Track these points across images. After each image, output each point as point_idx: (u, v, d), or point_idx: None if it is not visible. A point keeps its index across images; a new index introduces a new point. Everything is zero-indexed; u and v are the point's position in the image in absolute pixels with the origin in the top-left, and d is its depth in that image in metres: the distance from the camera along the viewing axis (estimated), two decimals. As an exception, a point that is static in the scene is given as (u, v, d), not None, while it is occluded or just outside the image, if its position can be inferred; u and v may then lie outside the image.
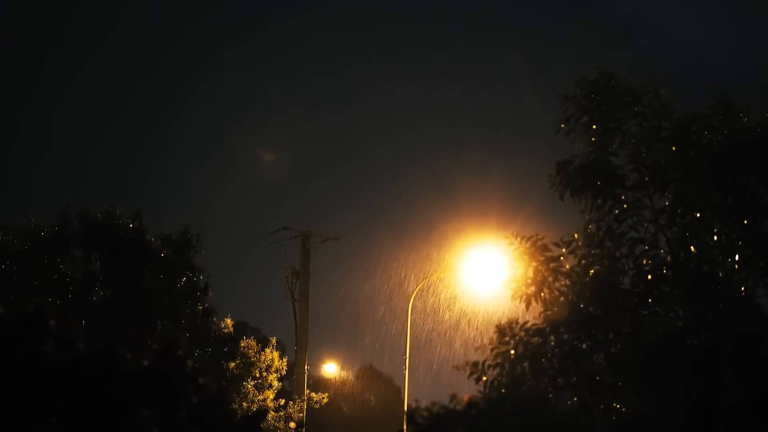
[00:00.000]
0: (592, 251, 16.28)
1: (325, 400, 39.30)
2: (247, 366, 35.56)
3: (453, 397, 11.11)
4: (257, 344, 36.46)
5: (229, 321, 34.32)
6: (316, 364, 52.28)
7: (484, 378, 15.84)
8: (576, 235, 16.45)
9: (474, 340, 43.31)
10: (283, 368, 37.32)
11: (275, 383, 36.51)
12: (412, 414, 11.14)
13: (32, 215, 31.65)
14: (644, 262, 16.18)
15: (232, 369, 34.51)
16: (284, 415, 36.72)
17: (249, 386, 35.47)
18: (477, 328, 44.07)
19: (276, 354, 36.76)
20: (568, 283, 16.14)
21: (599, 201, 16.42)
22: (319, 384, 58.14)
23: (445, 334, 46.19)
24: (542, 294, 16.18)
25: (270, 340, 37.29)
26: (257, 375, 36.02)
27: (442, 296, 44.98)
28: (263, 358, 36.19)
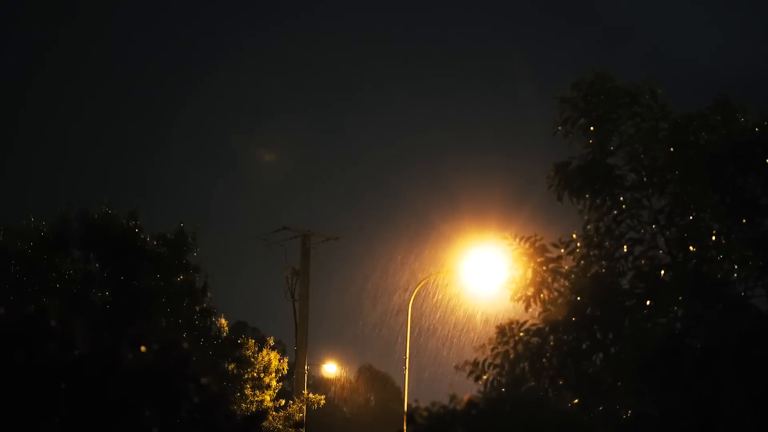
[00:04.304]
0: (591, 252, 16.31)
1: (323, 402, 39.27)
2: (245, 366, 35.49)
3: (453, 397, 11.13)
4: (254, 344, 36.34)
5: (223, 321, 34.21)
6: (316, 364, 52.26)
7: (484, 377, 15.87)
8: (575, 236, 16.48)
9: (474, 340, 43.30)
10: (284, 368, 37.26)
11: (273, 383, 36.45)
12: (412, 414, 11.16)
13: (32, 215, 31.67)
14: (643, 262, 16.21)
15: (231, 369, 34.46)
16: (284, 415, 36.69)
17: (247, 386, 35.39)
18: (477, 329, 44.11)
19: (273, 354, 36.65)
20: (567, 283, 16.16)
21: (598, 201, 16.45)
22: (319, 384, 58.19)
23: (445, 334, 46.22)
24: (541, 295, 16.21)
25: (267, 340, 37.12)
26: (255, 375, 35.96)
27: (442, 296, 45.00)
28: (260, 358, 36.12)
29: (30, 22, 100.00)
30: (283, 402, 36.89)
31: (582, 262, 16.30)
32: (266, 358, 36.23)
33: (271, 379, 36.29)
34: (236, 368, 34.62)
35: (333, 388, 68.35)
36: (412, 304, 41.29)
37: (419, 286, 42.30)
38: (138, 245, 31.42)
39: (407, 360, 40.23)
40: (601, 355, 15.83)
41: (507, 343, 15.88)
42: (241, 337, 35.73)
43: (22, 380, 8.68)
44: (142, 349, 9.04)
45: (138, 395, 8.99)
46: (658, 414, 14.89)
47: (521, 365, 15.74)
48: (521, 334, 15.92)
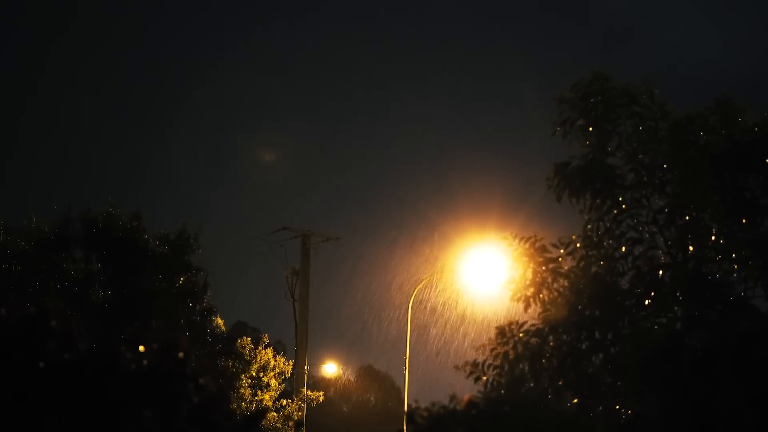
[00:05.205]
0: (591, 252, 16.32)
1: (321, 399, 39.29)
2: (243, 365, 35.50)
3: (453, 397, 11.11)
4: (251, 342, 36.31)
5: (220, 320, 34.22)
6: (316, 364, 52.34)
7: (484, 378, 15.88)
8: (574, 237, 16.48)
9: (474, 341, 43.34)
10: (287, 370, 37.24)
11: (273, 383, 36.43)
12: (412, 414, 11.15)
13: (34, 215, 31.71)
14: (643, 262, 16.21)
15: (230, 368, 34.45)
16: (283, 414, 36.70)
17: (245, 386, 35.37)
18: (477, 329, 44.12)
19: (270, 352, 36.61)
20: (566, 284, 16.17)
21: (597, 201, 16.45)
22: (319, 384, 58.16)
23: (445, 334, 46.23)
24: (541, 295, 16.21)
25: (261, 338, 37.02)
26: (253, 374, 35.95)
27: (442, 296, 45.03)
28: (258, 357, 36.10)
29: (32, 22, 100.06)
30: (284, 402, 36.90)
31: (582, 262, 16.30)
32: (264, 357, 36.22)
33: (270, 379, 36.29)
34: (234, 366, 34.62)
35: (333, 388, 68.38)
36: (412, 304, 41.34)
37: (419, 287, 42.34)
38: (140, 245, 31.48)
39: (407, 360, 40.27)
40: (600, 355, 15.83)
41: (507, 343, 15.89)
42: (238, 340, 35.74)
43: (22, 380, 8.69)
44: (142, 349, 9.05)
45: (138, 395, 9.00)
46: (658, 414, 14.89)
47: (521, 366, 15.74)
48: (521, 334, 15.92)
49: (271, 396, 36.27)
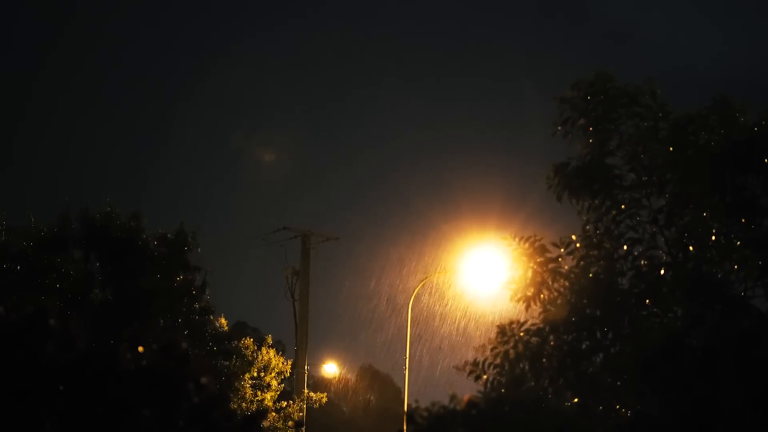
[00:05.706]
0: (591, 252, 16.31)
1: (324, 400, 39.26)
2: (244, 365, 35.46)
3: (453, 397, 11.12)
4: (253, 343, 36.30)
5: (223, 320, 34.18)
6: (316, 364, 52.26)
7: (484, 377, 15.88)
8: (574, 236, 16.47)
9: (474, 341, 43.33)
10: (287, 371, 37.22)
11: (274, 383, 36.41)
12: (412, 414, 11.15)
13: (32, 215, 31.68)
14: (642, 262, 16.21)
15: (230, 367, 34.40)
16: (284, 415, 36.67)
17: (246, 386, 35.34)
18: (477, 329, 44.10)
19: (272, 352, 36.61)
20: (567, 284, 16.16)
21: (596, 202, 16.45)
22: (319, 384, 58.12)
23: (445, 334, 46.21)
24: (541, 295, 16.21)
25: (265, 339, 37.03)
26: (255, 374, 35.93)
27: (442, 296, 45.00)
28: (260, 357, 36.09)
29: (31, 21, 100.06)
30: (284, 404, 36.88)
31: (581, 262, 16.30)
32: (266, 357, 36.21)
33: (271, 379, 36.27)
34: (235, 365, 34.56)
35: (333, 388, 68.32)
36: (412, 303, 41.33)
37: (419, 286, 42.33)
38: (139, 245, 31.45)
39: (407, 360, 40.27)
40: (600, 355, 15.83)
41: (507, 343, 15.89)
42: (241, 340, 35.71)
43: (22, 380, 8.68)
44: (141, 349, 9.05)
45: (138, 395, 8.99)
46: (658, 414, 14.89)
47: (521, 365, 15.75)
48: (521, 334, 15.93)
49: (272, 396, 36.24)
